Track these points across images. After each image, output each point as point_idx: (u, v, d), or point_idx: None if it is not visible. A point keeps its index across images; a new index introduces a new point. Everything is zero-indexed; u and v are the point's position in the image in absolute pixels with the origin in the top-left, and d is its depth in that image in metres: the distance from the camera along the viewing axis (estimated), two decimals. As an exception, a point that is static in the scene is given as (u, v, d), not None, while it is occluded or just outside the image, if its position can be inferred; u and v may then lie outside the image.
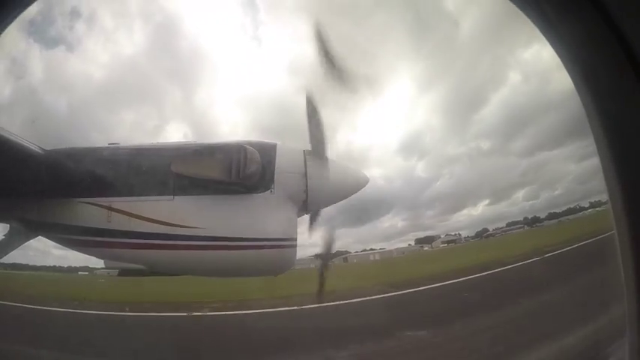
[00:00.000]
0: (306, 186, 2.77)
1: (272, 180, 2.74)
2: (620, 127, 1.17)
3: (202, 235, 2.73)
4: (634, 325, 1.22)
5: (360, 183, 3.02)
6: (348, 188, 2.97)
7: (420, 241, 20.39)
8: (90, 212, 2.86)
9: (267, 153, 2.74)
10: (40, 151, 2.95)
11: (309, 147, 2.81)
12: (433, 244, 20.44)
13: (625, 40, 1.06)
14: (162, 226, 2.77)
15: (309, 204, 2.81)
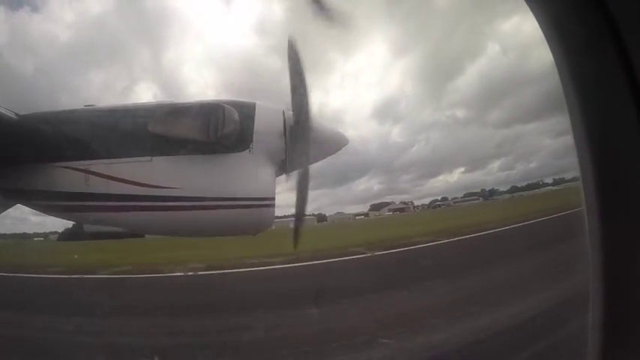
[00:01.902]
0: (285, 146, 2.78)
1: (251, 139, 2.74)
2: (597, 105, 1.19)
3: (181, 195, 2.73)
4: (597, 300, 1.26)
5: (340, 143, 3.05)
6: (328, 149, 3.00)
7: (374, 207, 20.25)
8: (68, 176, 2.83)
9: (245, 112, 2.73)
10: (13, 116, 2.90)
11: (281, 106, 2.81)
12: (380, 211, 20.18)
13: (610, 17, 1.07)
14: (141, 187, 2.76)
15: (288, 164, 2.83)
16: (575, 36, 1.21)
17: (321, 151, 2.98)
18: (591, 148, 1.20)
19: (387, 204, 20.96)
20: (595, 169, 1.20)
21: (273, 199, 2.76)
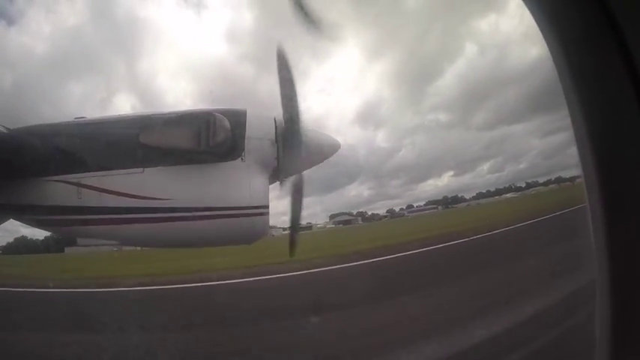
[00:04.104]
0: (278, 153, 2.76)
1: (242, 147, 2.72)
2: (596, 99, 1.17)
3: (174, 206, 2.70)
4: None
5: (332, 149, 3.03)
6: (320, 154, 2.98)
7: (332, 217, 20.08)
8: (60, 190, 2.80)
9: (236, 120, 2.72)
10: (3, 130, 2.88)
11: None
12: (329, 221, 19.92)
13: (608, 8, 1.06)
14: (134, 199, 2.73)
15: (280, 171, 2.81)
16: (573, 28, 1.19)
17: (314, 156, 2.96)
18: (592, 144, 1.18)
19: (343, 214, 20.96)
20: (597, 164, 1.17)
21: (267, 207, 2.74)
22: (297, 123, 2.62)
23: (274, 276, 9.41)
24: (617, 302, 1.20)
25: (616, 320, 1.21)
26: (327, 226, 19.78)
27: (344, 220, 20.54)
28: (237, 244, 3.01)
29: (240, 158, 2.72)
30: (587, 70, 1.18)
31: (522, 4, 1.30)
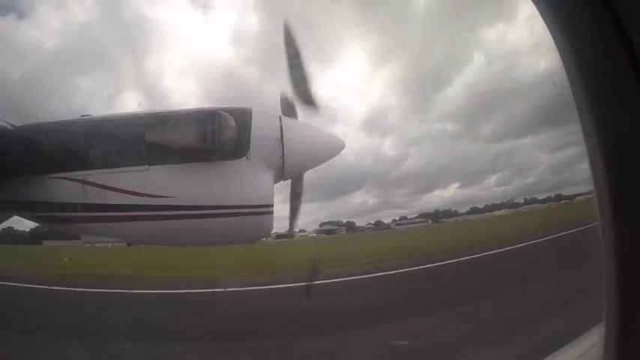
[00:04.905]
0: (283, 152, 2.76)
1: (248, 146, 2.72)
2: (611, 114, 1.16)
3: (179, 204, 2.71)
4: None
5: (337, 147, 3.02)
6: (325, 153, 2.98)
7: (322, 225, 20.04)
8: (65, 187, 2.81)
9: (242, 118, 2.71)
10: (9, 127, 2.89)
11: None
12: (311, 230, 19.74)
13: (620, 21, 1.06)
14: (139, 197, 2.74)
15: (285, 170, 2.81)
16: (585, 34, 1.17)
17: (319, 155, 2.96)
18: (604, 154, 1.15)
19: (329, 223, 20.96)
20: (609, 175, 1.15)
21: (272, 206, 2.74)
22: (307, 81, 2.59)
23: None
24: (625, 310, 1.19)
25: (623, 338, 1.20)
26: (310, 235, 19.70)
27: (327, 230, 20.52)
28: (241, 243, 3.01)
29: (245, 157, 2.72)
30: (599, 76, 1.17)
31: (531, 15, 1.29)
